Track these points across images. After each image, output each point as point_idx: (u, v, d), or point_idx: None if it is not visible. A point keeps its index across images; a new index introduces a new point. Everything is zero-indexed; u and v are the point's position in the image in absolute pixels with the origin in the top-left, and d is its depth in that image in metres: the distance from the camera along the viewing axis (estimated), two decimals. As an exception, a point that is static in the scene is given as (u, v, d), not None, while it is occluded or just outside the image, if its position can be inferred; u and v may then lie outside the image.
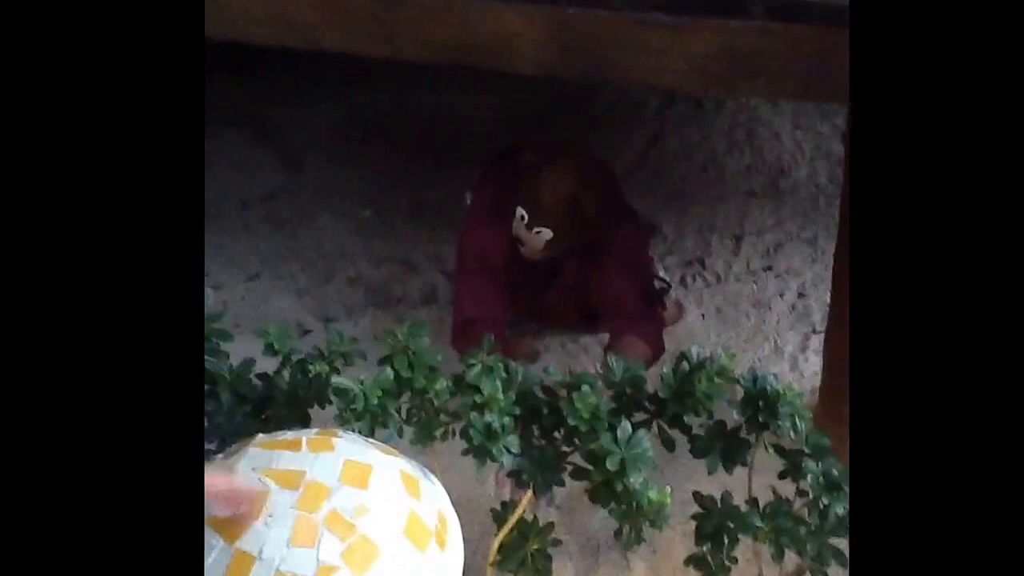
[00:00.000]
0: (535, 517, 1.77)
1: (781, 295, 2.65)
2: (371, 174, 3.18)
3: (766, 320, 2.57)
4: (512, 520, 1.72)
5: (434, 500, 1.52)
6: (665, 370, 1.64)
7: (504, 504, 1.75)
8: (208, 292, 1.82)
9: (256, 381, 1.79)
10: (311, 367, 1.73)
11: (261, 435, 1.51)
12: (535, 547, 1.72)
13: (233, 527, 1.37)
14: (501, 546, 1.74)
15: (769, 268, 2.75)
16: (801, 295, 2.65)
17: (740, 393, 1.63)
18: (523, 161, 2.25)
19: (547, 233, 2.20)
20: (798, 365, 2.43)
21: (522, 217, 2.21)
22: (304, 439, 1.47)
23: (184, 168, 1.12)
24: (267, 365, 1.81)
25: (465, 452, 1.60)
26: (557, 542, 1.75)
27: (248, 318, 2.52)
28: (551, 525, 1.75)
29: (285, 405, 1.76)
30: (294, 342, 1.81)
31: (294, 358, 1.80)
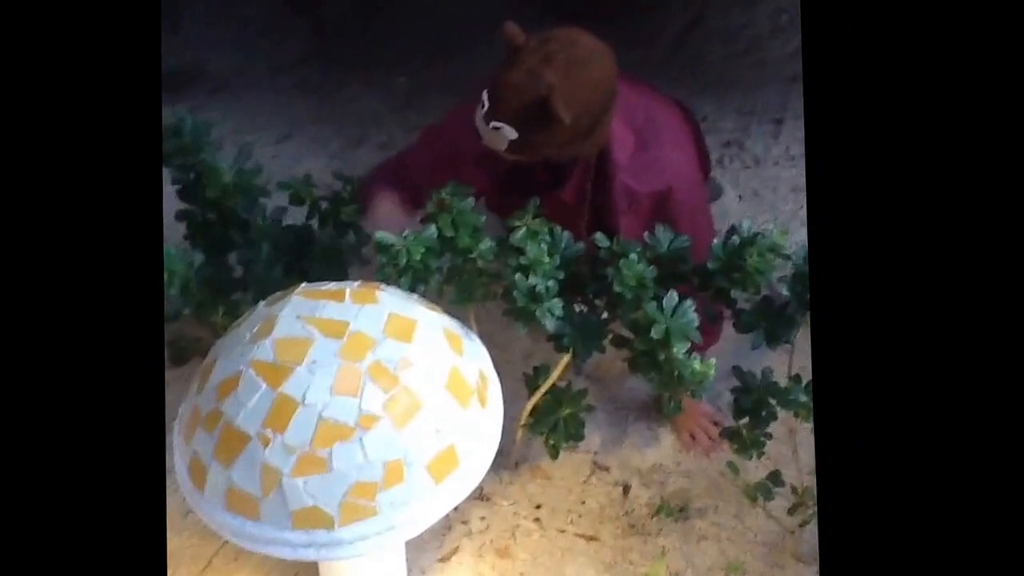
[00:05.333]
0: (568, 383, 1.76)
1: (820, 182, 2.61)
2: (405, 43, 3.10)
3: (803, 206, 2.53)
4: (546, 385, 1.71)
5: (476, 358, 1.51)
6: (715, 242, 1.61)
7: (536, 369, 1.74)
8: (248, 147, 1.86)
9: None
10: (343, 211, 1.80)
11: (305, 284, 1.50)
12: (568, 411, 1.73)
13: (277, 372, 1.36)
14: (533, 409, 1.74)
15: (809, 155, 2.70)
16: (840, 183, 2.60)
17: (789, 270, 1.60)
18: (506, 33, 1.65)
19: (508, 131, 1.65)
20: (834, 253, 2.40)
21: (482, 104, 1.68)
22: (348, 290, 1.46)
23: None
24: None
25: (506, 313, 1.58)
26: (590, 408, 1.76)
27: (279, 177, 2.49)
28: (584, 391, 1.75)
29: (322, 259, 1.76)
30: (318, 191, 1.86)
31: (322, 206, 1.85)
